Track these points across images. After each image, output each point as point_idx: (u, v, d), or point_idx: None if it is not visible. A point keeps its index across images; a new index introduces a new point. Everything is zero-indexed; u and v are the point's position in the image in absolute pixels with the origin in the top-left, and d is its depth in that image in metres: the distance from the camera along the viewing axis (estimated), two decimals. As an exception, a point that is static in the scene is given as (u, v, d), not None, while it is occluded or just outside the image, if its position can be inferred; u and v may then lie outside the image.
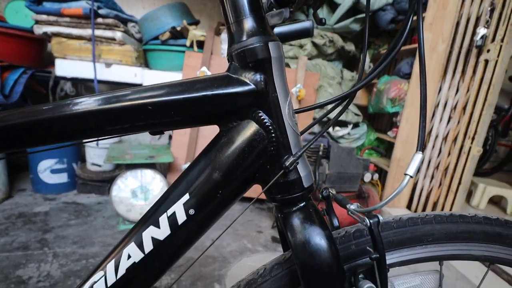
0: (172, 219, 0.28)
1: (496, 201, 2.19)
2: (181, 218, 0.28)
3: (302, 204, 0.30)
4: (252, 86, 0.28)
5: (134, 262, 0.28)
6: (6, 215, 1.67)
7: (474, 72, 1.52)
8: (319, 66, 1.95)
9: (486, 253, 0.36)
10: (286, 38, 0.38)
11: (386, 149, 2.14)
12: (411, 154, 1.76)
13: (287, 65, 1.99)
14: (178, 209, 0.28)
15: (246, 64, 0.28)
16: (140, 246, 0.28)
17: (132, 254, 0.28)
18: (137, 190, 1.69)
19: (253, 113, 0.29)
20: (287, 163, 0.28)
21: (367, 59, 2.08)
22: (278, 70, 0.29)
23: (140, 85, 1.86)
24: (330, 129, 1.99)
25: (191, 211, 0.28)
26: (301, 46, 2.02)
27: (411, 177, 0.26)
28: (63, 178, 1.91)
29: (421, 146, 0.27)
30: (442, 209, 1.63)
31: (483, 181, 2.07)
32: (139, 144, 2.07)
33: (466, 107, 1.54)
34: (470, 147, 1.49)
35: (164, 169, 2.02)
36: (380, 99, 1.81)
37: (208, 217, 0.29)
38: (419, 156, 0.27)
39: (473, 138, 1.49)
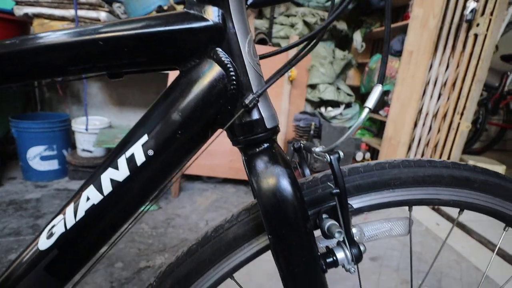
0: (131, 160, 0.28)
1: (486, 179, 2.23)
2: (140, 159, 0.28)
3: (266, 145, 0.29)
4: (209, 22, 0.27)
5: (94, 204, 0.28)
6: (-4, 202, 1.66)
7: (464, 47, 1.51)
8: (309, 46, 1.92)
9: (454, 198, 0.36)
10: (265, 1, 0.37)
11: (378, 129, 2.15)
12: (402, 132, 1.76)
13: (278, 45, 1.96)
14: (137, 151, 0.28)
15: None
16: (99, 188, 0.28)
17: (91, 196, 0.28)
18: (129, 174, 1.69)
19: (212, 51, 0.28)
20: (247, 101, 0.28)
21: (359, 39, 2.05)
22: (237, 4, 0.28)
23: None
24: (323, 110, 1.98)
25: (150, 152, 0.28)
26: (292, 26, 1.98)
27: (370, 109, 0.26)
28: (53, 165, 1.90)
29: (381, 79, 0.27)
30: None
31: (473, 158, 2.09)
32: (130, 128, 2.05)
33: (456, 83, 1.53)
34: (459, 123, 1.50)
35: (156, 154, 2.01)
36: (372, 77, 1.80)
37: (169, 159, 0.29)
38: (378, 88, 0.26)
39: (462, 114, 1.50)
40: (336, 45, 2.13)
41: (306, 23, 1.96)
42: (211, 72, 0.28)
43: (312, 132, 1.63)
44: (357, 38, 2.03)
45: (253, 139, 0.29)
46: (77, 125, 1.89)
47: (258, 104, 0.29)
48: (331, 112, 1.95)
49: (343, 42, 2.23)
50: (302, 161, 0.39)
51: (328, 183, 0.31)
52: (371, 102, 0.26)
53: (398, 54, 1.78)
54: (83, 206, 0.28)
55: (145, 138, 0.28)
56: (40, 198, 1.74)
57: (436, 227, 1.48)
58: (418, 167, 0.35)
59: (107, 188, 0.28)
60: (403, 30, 1.86)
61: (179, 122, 0.28)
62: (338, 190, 0.28)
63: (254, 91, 0.29)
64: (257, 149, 0.29)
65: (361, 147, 1.79)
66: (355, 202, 0.34)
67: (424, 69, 1.66)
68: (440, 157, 1.59)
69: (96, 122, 1.97)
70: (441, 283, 1.18)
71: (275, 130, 0.30)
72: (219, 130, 0.31)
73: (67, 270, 0.29)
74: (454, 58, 1.54)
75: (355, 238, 0.31)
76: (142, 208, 0.31)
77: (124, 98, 2.34)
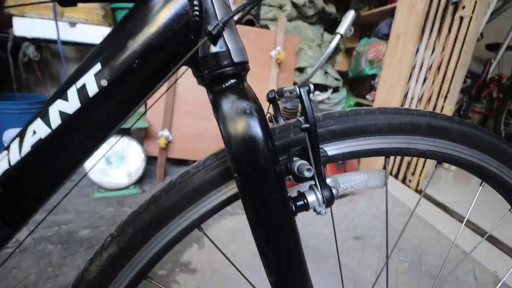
0: (82, 91, 0.25)
1: (468, 164, 2.29)
2: (92, 90, 0.25)
3: (233, 81, 0.27)
4: None
5: (40, 138, 0.25)
6: (-30, 184, 1.59)
7: (449, 30, 1.51)
8: (299, 28, 1.90)
9: (431, 148, 0.35)
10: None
11: (364, 114, 2.16)
12: (387, 116, 1.77)
13: (266, 27, 1.92)
14: (89, 80, 0.25)
15: None
16: (47, 121, 0.25)
17: (37, 130, 0.25)
18: (111, 157, 1.64)
19: None
20: (211, 28, 0.25)
21: (349, 22, 2.03)
22: None
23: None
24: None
25: (103, 82, 0.25)
26: (280, 7, 1.94)
27: (341, 35, 0.24)
28: (32, 147, 1.82)
29: (354, 4, 0.25)
30: (415, 171, 1.68)
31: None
32: (113, 112, 1.99)
33: (441, 67, 1.54)
34: (442, 106, 1.52)
35: (142, 138, 1.96)
36: (359, 61, 1.79)
37: (125, 93, 0.26)
38: (351, 13, 0.25)
39: (445, 97, 1.51)
40: (325, 29, 2.11)
41: (294, 4, 1.92)
42: (171, -3, 0.26)
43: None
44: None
45: (219, 73, 0.27)
46: (56, 106, 1.81)
47: (224, 34, 0.26)
48: (318, 96, 1.94)
49: (332, 26, 2.21)
50: (277, 111, 0.37)
51: (298, 117, 0.29)
52: (342, 27, 0.25)
53: (386, 37, 1.77)
54: (29, 140, 0.25)
55: (98, 67, 0.25)
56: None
57: (418, 207, 1.51)
58: (394, 114, 0.33)
59: (55, 121, 0.25)
60: (391, 13, 1.85)
61: (136, 51, 0.25)
62: (308, 125, 0.26)
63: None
64: (224, 85, 0.27)
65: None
66: (329, 149, 0.32)
67: (411, 53, 1.66)
68: (424, 140, 1.61)
69: (77, 104, 1.89)
70: (421, 259, 1.21)
71: (244, 66, 0.28)
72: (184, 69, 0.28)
73: (14, 212, 0.27)
74: (440, 42, 1.55)
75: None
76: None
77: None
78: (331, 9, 2.03)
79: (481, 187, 0.41)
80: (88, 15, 1.63)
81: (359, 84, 2.36)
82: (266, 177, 0.27)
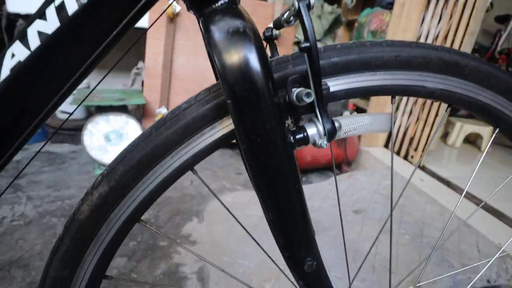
0: (61, 8, 0.23)
1: (472, 140, 2.26)
2: (72, 7, 0.23)
3: (224, 1, 0.25)
4: None
5: (19, 61, 0.24)
6: (-28, 163, 1.59)
7: (458, -3, 1.44)
8: None
9: (442, 86, 0.33)
10: None
11: (367, 91, 2.11)
12: (391, 91, 1.73)
13: (265, -1, 1.85)
14: None
15: None
16: (25, 43, 0.24)
17: (16, 52, 0.24)
18: (110, 135, 1.63)
19: None
20: None
21: (351, -7, 1.95)
22: None
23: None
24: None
25: None
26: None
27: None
28: (31, 127, 1.81)
29: None
30: (417, 146, 1.66)
31: (460, 119, 2.10)
32: (109, 89, 1.97)
33: (448, 36, 1.48)
34: (449, 78, 1.47)
35: (140, 116, 1.94)
36: (361, 33, 1.73)
37: (108, 11, 0.24)
38: None
39: (452, 69, 1.46)
40: (324, 0, 2.03)
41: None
42: None
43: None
44: (349, -8, 1.93)
45: None
46: (53, 84, 1.78)
47: None
48: (320, 71, 1.89)
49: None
50: (274, 51, 0.35)
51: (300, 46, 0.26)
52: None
53: (390, 6, 1.70)
54: (8, 64, 0.24)
55: None
56: (21, 160, 1.69)
57: (421, 182, 1.50)
58: (403, 46, 0.31)
59: (34, 42, 0.23)
60: (397, -18, 1.76)
61: None
62: (308, 44, 0.23)
63: None
64: (214, 5, 0.25)
65: (348, 107, 1.76)
66: (331, 85, 0.30)
67: (416, 22, 1.59)
68: (428, 114, 1.58)
69: (74, 82, 1.86)
70: (423, 231, 1.21)
71: None
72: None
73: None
74: (448, 9, 1.48)
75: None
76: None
77: (103, 61, 2.21)
78: (333, -21, 1.94)
79: (494, 133, 0.38)
80: (80, -13, 1.56)
81: (362, 59, 2.29)
82: (262, 101, 0.24)
